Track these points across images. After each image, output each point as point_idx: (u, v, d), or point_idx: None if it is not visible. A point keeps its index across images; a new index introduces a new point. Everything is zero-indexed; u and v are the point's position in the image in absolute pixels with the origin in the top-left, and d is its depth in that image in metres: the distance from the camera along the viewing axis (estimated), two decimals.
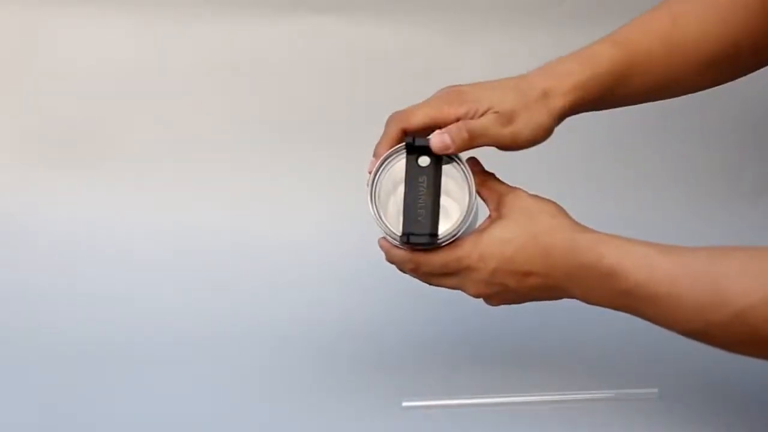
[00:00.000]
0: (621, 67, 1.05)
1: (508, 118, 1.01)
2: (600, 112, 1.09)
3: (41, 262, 1.44)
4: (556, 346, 1.26)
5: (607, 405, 1.12)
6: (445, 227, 1.00)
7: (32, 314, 1.33)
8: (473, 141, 1.00)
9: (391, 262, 1.03)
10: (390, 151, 1.01)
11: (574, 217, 1.01)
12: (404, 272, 1.03)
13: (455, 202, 1.01)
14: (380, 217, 1.01)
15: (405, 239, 0.99)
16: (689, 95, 1.16)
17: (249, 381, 1.19)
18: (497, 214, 1.01)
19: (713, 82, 1.11)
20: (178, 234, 1.48)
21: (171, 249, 1.46)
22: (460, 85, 1.04)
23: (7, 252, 1.46)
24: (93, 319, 1.32)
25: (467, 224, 1.00)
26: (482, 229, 1.01)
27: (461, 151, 1.01)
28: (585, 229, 0.99)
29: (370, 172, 1.02)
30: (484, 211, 1.03)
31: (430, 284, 1.03)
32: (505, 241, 0.99)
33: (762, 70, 1.11)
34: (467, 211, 1.00)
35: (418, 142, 1.01)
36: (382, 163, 1.01)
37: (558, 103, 1.03)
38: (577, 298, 0.99)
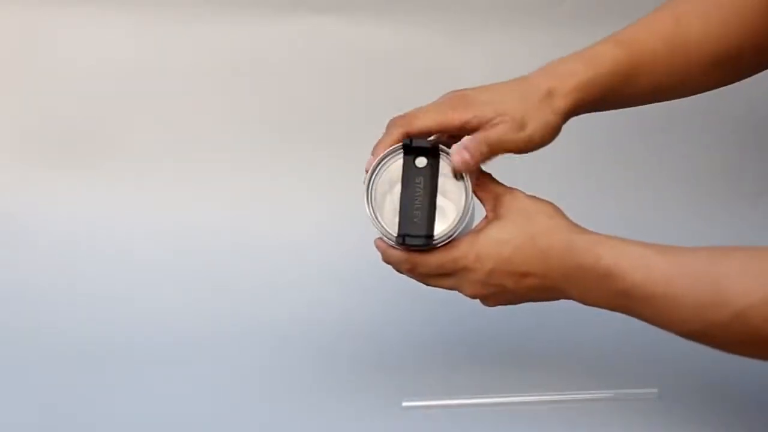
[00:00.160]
0: (624, 67, 1.05)
1: (519, 124, 1.01)
2: (600, 112, 1.09)
3: (41, 262, 1.44)
4: (555, 346, 1.26)
5: (607, 405, 1.12)
6: (441, 228, 1.00)
7: (32, 314, 1.33)
8: (492, 153, 1.01)
9: (388, 262, 1.03)
10: (387, 151, 1.01)
11: (574, 217, 1.01)
12: (401, 272, 1.03)
13: (452, 203, 1.01)
14: (376, 218, 1.01)
15: (401, 240, 0.99)
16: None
17: (249, 381, 1.19)
18: (494, 214, 1.01)
19: (717, 83, 1.10)
20: (178, 234, 1.48)
21: (171, 249, 1.46)
22: (464, 90, 1.04)
23: (7, 252, 1.46)
24: (93, 319, 1.32)
25: (463, 225, 1.00)
26: (479, 230, 1.01)
27: (481, 164, 1.01)
28: (582, 230, 0.99)
29: (367, 171, 1.02)
30: (481, 212, 1.03)
31: (428, 285, 1.03)
32: (502, 242, 0.99)
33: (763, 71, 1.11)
34: (463, 212, 1.00)
35: (416, 143, 1.01)
36: (379, 164, 1.01)
37: (562, 103, 1.03)
38: (575, 299, 0.99)
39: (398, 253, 1.01)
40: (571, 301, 1.00)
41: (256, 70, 1.54)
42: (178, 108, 1.54)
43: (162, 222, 1.49)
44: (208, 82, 1.54)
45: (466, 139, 1.01)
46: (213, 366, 1.22)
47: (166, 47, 1.53)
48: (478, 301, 1.05)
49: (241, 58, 1.54)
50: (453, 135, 1.03)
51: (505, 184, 1.04)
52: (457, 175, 1.01)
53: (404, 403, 1.12)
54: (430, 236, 0.99)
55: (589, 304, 0.98)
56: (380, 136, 1.04)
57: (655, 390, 1.14)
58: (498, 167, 1.05)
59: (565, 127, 1.05)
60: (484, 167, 1.04)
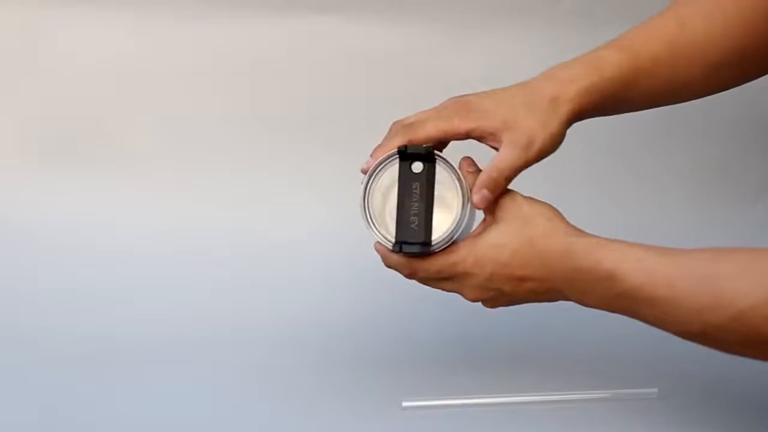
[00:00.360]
0: (627, 72, 1.05)
1: (528, 141, 1.01)
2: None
3: (41, 262, 1.44)
4: (555, 346, 1.26)
5: (607, 405, 1.12)
6: (438, 234, 1.00)
7: (32, 314, 1.33)
8: (510, 179, 1.01)
9: (388, 266, 1.03)
10: (382, 157, 1.01)
11: (574, 218, 1.01)
12: (404, 276, 1.03)
13: (449, 208, 1.01)
14: (374, 225, 1.01)
15: (398, 248, 0.99)
16: None
17: (249, 381, 1.19)
18: (492, 218, 1.01)
19: (719, 86, 1.10)
20: (178, 234, 1.48)
21: (171, 249, 1.46)
22: (467, 96, 1.04)
23: (7, 252, 1.46)
24: (93, 319, 1.32)
25: (461, 230, 1.00)
26: (477, 234, 1.01)
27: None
28: (581, 232, 0.99)
29: (364, 172, 1.02)
30: (479, 214, 1.03)
31: (429, 287, 1.03)
32: (499, 246, 0.99)
33: None
34: (460, 217, 1.00)
35: (411, 149, 1.00)
36: (375, 171, 1.01)
37: (565, 110, 1.02)
38: (574, 301, 0.99)
39: (397, 258, 1.01)
40: (569, 303, 1.00)
41: (256, 70, 1.54)
42: (178, 108, 1.54)
43: (162, 222, 1.49)
44: (208, 82, 1.54)
45: (481, 176, 1.01)
46: (213, 366, 1.22)
47: (166, 47, 1.53)
48: (478, 303, 1.05)
49: (241, 58, 1.54)
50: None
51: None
52: (454, 179, 1.01)
53: (404, 403, 1.12)
54: (428, 243, 0.99)
55: (589, 306, 0.98)
56: (380, 136, 1.04)
57: (655, 390, 1.14)
58: None
59: None
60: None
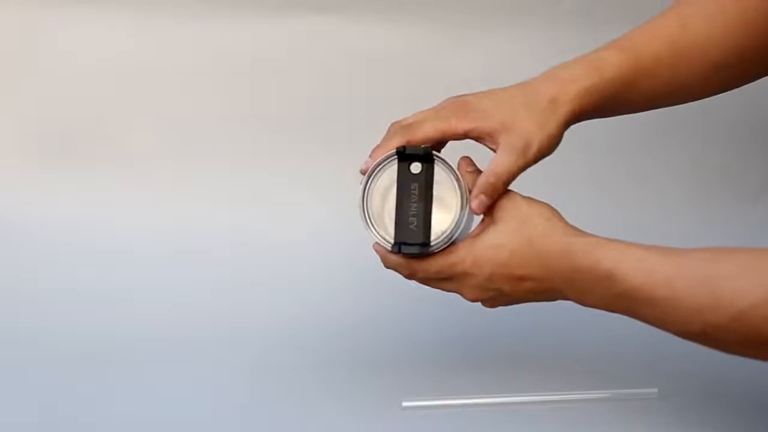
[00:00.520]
0: (627, 73, 1.05)
1: (525, 145, 1.01)
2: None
3: (41, 261, 1.44)
4: (555, 346, 1.26)
5: (607, 405, 1.12)
6: (437, 234, 1.00)
7: (32, 314, 1.33)
8: (508, 182, 1.01)
9: (387, 267, 1.03)
10: (381, 158, 1.01)
11: (574, 218, 1.01)
12: (403, 276, 1.03)
13: (447, 209, 1.01)
14: (373, 227, 1.01)
15: (397, 249, 0.99)
16: None
17: (249, 381, 1.19)
18: (491, 218, 1.01)
19: (719, 88, 1.10)
20: (178, 234, 1.48)
21: (171, 249, 1.46)
22: (465, 96, 1.04)
23: (7, 252, 1.46)
24: (93, 319, 1.32)
25: (460, 230, 1.00)
26: (475, 235, 1.01)
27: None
28: (580, 232, 0.98)
29: (362, 173, 1.02)
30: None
31: (429, 287, 1.04)
32: (498, 247, 0.99)
33: None
34: (459, 218, 1.00)
35: (410, 150, 1.00)
36: (373, 172, 1.01)
37: (564, 111, 1.02)
38: (573, 301, 0.99)
39: (397, 259, 1.01)
40: (569, 303, 1.00)
41: (256, 70, 1.54)
42: (178, 108, 1.54)
43: (162, 222, 1.49)
44: (208, 82, 1.54)
45: (479, 181, 1.01)
46: (213, 366, 1.22)
47: (166, 47, 1.53)
48: (478, 303, 1.05)
49: (241, 58, 1.54)
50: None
51: None
52: (452, 180, 1.01)
53: (404, 403, 1.12)
54: (427, 243, 0.99)
55: (588, 306, 0.98)
56: (380, 136, 1.04)
57: (655, 390, 1.14)
58: None
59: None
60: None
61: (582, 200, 1.48)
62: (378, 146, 1.03)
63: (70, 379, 1.19)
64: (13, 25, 1.52)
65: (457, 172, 1.01)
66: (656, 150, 1.56)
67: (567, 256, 0.96)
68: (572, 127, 1.05)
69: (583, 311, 1.01)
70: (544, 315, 1.20)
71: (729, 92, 1.12)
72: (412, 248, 0.99)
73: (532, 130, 1.01)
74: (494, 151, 1.01)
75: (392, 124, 1.04)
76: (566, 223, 1.00)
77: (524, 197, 1.02)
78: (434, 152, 1.01)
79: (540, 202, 1.01)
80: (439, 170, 1.01)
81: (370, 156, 1.02)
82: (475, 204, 1.00)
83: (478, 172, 1.03)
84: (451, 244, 1.00)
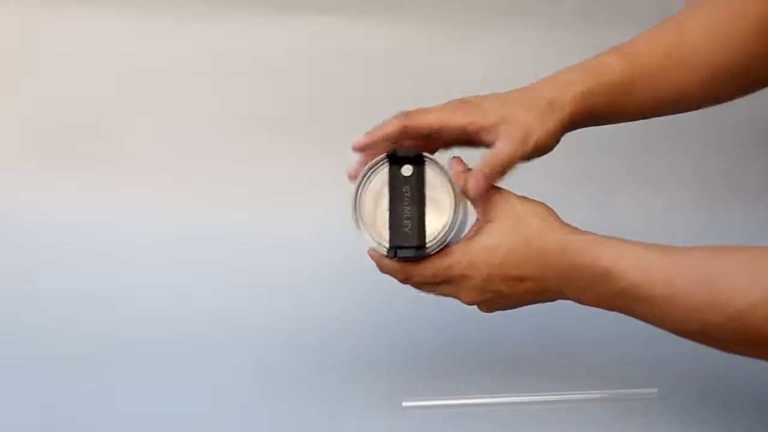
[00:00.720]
0: (624, 78, 1.05)
1: (524, 135, 1.01)
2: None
3: (41, 261, 1.44)
4: (555, 346, 1.26)
5: (607, 405, 1.12)
6: (431, 236, 0.99)
7: (32, 314, 1.33)
8: (504, 170, 1.01)
9: (383, 272, 1.03)
10: (371, 163, 1.01)
11: (575, 219, 1.01)
12: (398, 281, 1.03)
13: (441, 210, 1.00)
14: (366, 232, 1.00)
15: (393, 253, 0.99)
16: None
17: (249, 381, 1.19)
18: (485, 218, 1.01)
19: (725, 96, 1.10)
20: (178, 234, 1.48)
21: (171, 249, 1.46)
22: (471, 97, 1.04)
23: (7, 251, 1.46)
24: (93, 319, 1.32)
25: (454, 231, 1.00)
26: (470, 237, 1.00)
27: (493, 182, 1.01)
28: (576, 230, 0.98)
29: (351, 178, 1.02)
30: (472, 216, 1.02)
31: (427, 292, 1.03)
32: (494, 247, 0.99)
33: None
34: (453, 219, 1.00)
35: (401, 152, 1.00)
36: (365, 175, 1.01)
37: (562, 111, 1.03)
38: (571, 300, 0.99)
39: (392, 264, 1.01)
40: (570, 301, 1.00)
41: (256, 70, 1.54)
42: (178, 108, 1.54)
43: (162, 222, 1.49)
44: (208, 82, 1.54)
45: (477, 166, 1.01)
46: (213, 366, 1.22)
47: (166, 47, 1.53)
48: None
49: (241, 58, 1.54)
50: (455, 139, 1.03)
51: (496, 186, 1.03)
52: (444, 181, 1.01)
53: (404, 403, 1.12)
54: (422, 246, 0.99)
55: (586, 304, 0.98)
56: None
57: (655, 390, 1.14)
58: None
59: None
60: None
61: (584, 202, 1.48)
62: (375, 128, 1.02)
63: (70, 379, 1.19)
64: (13, 25, 1.52)
65: (448, 172, 1.01)
66: (658, 152, 1.56)
67: (564, 254, 0.96)
68: (576, 132, 1.05)
69: (583, 311, 1.01)
70: (544, 315, 1.20)
71: None
72: (407, 251, 0.99)
73: (531, 122, 1.01)
74: (492, 145, 1.01)
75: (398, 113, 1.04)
76: (562, 221, 0.99)
77: (518, 197, 1.01)
78: (425, 154, 1.01)
79: (535, 201, 1.01)
80: (430, 172, 1.01)
81: (366, 134, 1.02)
82: (471, 184, 1.00)
83: (470, 170, 1.03)
84: (445, 246, 1.00)
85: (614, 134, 1.54)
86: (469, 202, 1.02)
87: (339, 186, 1.47)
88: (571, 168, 1.51)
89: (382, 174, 1.01)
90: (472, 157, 1.04)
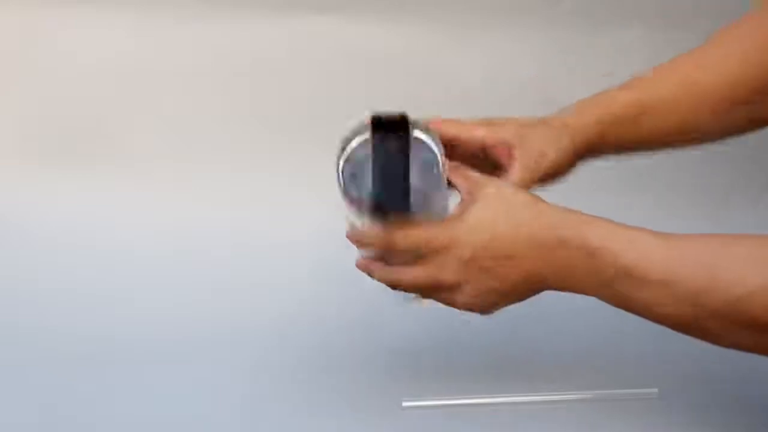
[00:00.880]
0: (633, 108, 1.07)
1: (537, 161, 1.03)
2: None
3: (41, 261, 1.44)
4: (555, 345, 1.26)
5: (607, 405, 1.12)
6: (416, 196, 0.97)
7: (32, 314, 1.33)
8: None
9: (360, 246, 1.01)
10: (356, 126, 1.00)
11: None
12: (375, 277, 1.02)
13: (427, 173, 0.99)
14: (348, 190, 0.99)
15: (375, 202, 0.96)
16: None
17: (249, 381, 1.19)
18: (470, 197, 0.99)
19: (734, 130, 1.11)
20: (178, 234, 1.48)
21: (171, 249, 1.46)
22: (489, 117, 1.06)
23: (7, 252, 1.46)
24: (93, 319, 1.32)
25: (441, 192, 0.99)
26: (455, 215, 0.98)
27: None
28: (567, 209, 0.97)
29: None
30: (455, 198, 1.02)
31: (406, 290, 1.01)
32: (479, 225, 0.96)
33: None
34: (439, 180, 0.98)
35: (385, 115, 0.99)
36: (348, 142, 1.00)
37: (573, 140, 1.05)
38: (559, 287, 0.97)
39: (373, 232, 0.99)
40: (570, 301, 0.99)
41: (256, 70, 1.54)
42: (178, 108, 1.54)
43: (162, 222, 1.49)
44: (208, 82, 1.54)
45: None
46: (213, 366, 1.22)
47: (166, 47, 1.53)
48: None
49: (241, 58, 1.54)
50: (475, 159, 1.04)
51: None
52: (432, 145, 0.99)
53: (404, 403, 1.12)
54: (406, 198, 0.96)
55: (575, 290, 0.96)
56: None
57: (655, 390, 1.14)
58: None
59: None
60: None
61: (582, 202, 1.48)
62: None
63: (70, 379, 1.19)
64: (13, 25, 1.52)
65: (434, 135, 1.00)
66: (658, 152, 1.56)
67: (554, 231, 0.95)
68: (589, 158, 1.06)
69: (583, 311, 1.01)
70: (545, 315, 1.20)
71: None
72: (391, 202, 0.96)
73: (545, 148, 1.03)
74: (505, 168, 1.03)
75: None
76: (550, 203, 0.98)
77: (505, 182, 1.01)
78: (410, 117, 0.99)
79: (522, 189, 1.01)
80: (417, 137, 0.99)
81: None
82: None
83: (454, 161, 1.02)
84: (430, 211, 0.98)
85: None
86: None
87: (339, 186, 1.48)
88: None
89: (366, 139, 1.00)
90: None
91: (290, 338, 1.29)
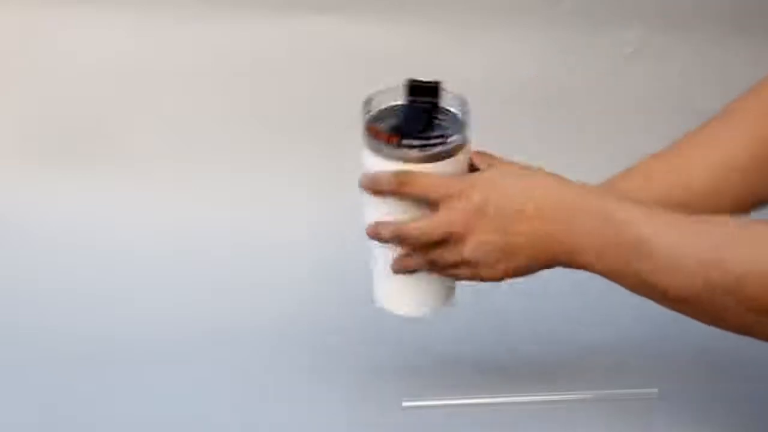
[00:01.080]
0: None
1: None
2: (601, 109, 1.08)
3: (41, 261, 1.44)
4: (555, 346, 1.26)
5: (607, 405, 1.12)
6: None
7: (32, 314, 1.33)
8: None
9: (375, 188, 1.01)
10: (386, 88, 1.02)
11: None
12: (385, 234, 1.02)
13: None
14: (371, 122, 1.02)
15: (398, 140, 0.99)
16: (688, 91, 1.14)
17: (249, 381, 1.19)
18: (490, 162, 1.01)
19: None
20: (178, 234, 1.48)
21: (171, 249, 1.46)
22: None
23: (7, 252, 1.45)
24: (93, 319, 1.32)
25: (465, 146, 1.00)
26: (470, 174, 1.00)
27: None
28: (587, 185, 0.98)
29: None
30: None
31: (414, 248, 1.02)
32: (494, 180, 0.98)
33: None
34: (463, 138, 1.00)
35: (418, 82, 1.02)
36: (376, 100, 1.03)
37: None
38: (566, 255, 0.97)
39: (387, 174, 1.00)
40: (570, 301, 0.99)
41: (256, 70, 1.54)
42: (178, 108, 1.54)
43: (162, 222, 1.49)
44: (208, 82, 1.54)
45: None
46: (213, 366, 1.22)
47: (166, 47, 1.53)
48: (478, 300, 1.05)
49: (241, 58, 1.54)
50: None
51: None
52: (458, 113, 1.02)
53: (404, 403, 1.12)
54: (429, 138, 0.99)
55: (580, 256, 0.96)
56: None
57: (655, 390, 1.14)
58: None
59: (567, 126, 1.05)
60: None
61: None
62: None
63: (70, 379, 1.19)
64: (13, 25, 1.52)
65: (464, 107, 1.02)
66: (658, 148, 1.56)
67: (572, 194, 0.96)
68: (576, 126, 1.06)
69: (584, 311, 1.01)
70: (544, 314, 1.20)
71: (733, 91, 1.11)
72: (413, 141, 0.99)
73: None
74: None
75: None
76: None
77: None
78: (442, 85, 1.02)
79: None
80: (446, 104, 1.02)
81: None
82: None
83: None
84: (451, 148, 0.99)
85: (615, 131, 1.55)
86: None
87: (339, 186, 1.48)
88: (570, 167, 1.51)
89: (397, 101, 1.03)
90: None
91: (290, 338, 1.29)
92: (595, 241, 0.95)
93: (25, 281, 1.40)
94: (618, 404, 1.12)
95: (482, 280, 1.01)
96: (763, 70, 1.11)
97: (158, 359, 1.23)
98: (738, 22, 1.54)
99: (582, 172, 1.53)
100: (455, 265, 1.00)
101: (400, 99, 1.03)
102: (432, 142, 0.99)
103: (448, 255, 1.00)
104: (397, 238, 1.01)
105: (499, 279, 1.01)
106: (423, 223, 1.00)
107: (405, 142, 0.99)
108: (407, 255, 1.02)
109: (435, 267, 1.02)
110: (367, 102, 1.04)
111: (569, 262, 0.97)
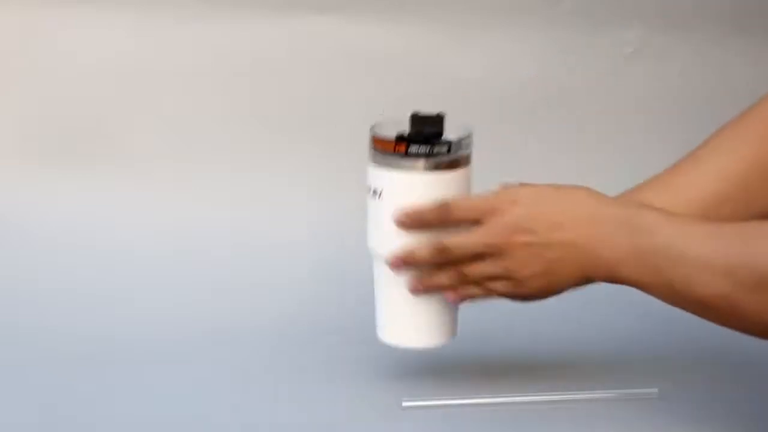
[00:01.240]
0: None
1: None
2: (601, 109, 1.08)
3: (41, 261, 1.44)
4: (555, 345, 1.26)
5: (607, 405, 1.12)
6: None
7: (32, 314, 1.33)
8: None
9: (419, 222, 1.02)
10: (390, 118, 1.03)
11: None
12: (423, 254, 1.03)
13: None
14: (377, 132, 1.02)
15: (413, 134, 1.00)
16: (688, 91, 1.14)
17: (249, 381, 1.19)
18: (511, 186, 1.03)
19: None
20: (178, 234, 1.48)
21: (171, 249, 1.46)
22: None
23: (7, 252, 1.45)
24: (93, 319, 1.32)
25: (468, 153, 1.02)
26: (511, 185, 1.02)
27: None
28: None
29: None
30: None
31: (455, 262, 1.03)
32: (536, 193, 1.00)
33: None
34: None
35: (423, 114, 1.02)
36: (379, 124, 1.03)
37: None
38: (599, 269, 0.98)
39: (428, 206, 1.01)
40: (570, 301, 0.99)
41: (256, 70, 1.54)
42: (178, 108, 1.54)
43: (162, 222, 1.49)
44: (208, 82, 1.54)
45: None
46: (213, 366, 1.22)
47: (166, 47, 1.53)
48: (478, 300, 1.05)
49: (241, 58, 1.54)
50: None
51: None
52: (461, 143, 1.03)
53: (404, 403, 1.12)
54: (447, 143, 1.00)
55: (611, 269, 0.97)
56: None
57: (655, 390, 1.14)
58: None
59: (568, 126, 1.05)
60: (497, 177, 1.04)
61: None
62: None
63: (70, 379, 1.19)
64: (13, 25, 1.52)
65: (468, 135, 1.03)
66: (659, 148, 1.56)
67: (604, 204, 0.98)
68: (577, 126, 1.06)
69: (584, 311, 1.01)
70: (544, 315, 1.20)
71: (734, 95, 1.11)
72: (421, 146, 1.00)
73: None
74: None
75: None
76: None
77: None
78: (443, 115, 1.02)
79: None
80: (450, 133, 1.02)
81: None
82: None
83: None
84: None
85: (614, 130, 1.55)
86: None
87: (339, 186, 1.48)
88: (572, 166, 1.51)
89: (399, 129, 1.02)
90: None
91: (290, 338, 1.29)
92: (629, 250, 0.96)
93: (25, 281, 1.40)
94: (618, 404, 1.12)
95: (517, 296, 1.04)
96: (763, 70, 1.11)
97: (158, 359, 1.23)
98: (738, 22, 1.54)
99: (582, 172, 1.54)
100: (493, 278, 1.03)
101: (404, 128, 1.03)
102: (437, 150, 1.00)
103: (486, 268, 1.02)
104: (439, 253, 1.02)
105: (534, 295, 1.03)
106: (467, 238, 1.02)
107: (412, 149, 1.00)
108: (437, 271, 1.04)
109: (467, 280, 1.04)
110: (372, 129, 1.04)
111: (609, 275, 0.99)
